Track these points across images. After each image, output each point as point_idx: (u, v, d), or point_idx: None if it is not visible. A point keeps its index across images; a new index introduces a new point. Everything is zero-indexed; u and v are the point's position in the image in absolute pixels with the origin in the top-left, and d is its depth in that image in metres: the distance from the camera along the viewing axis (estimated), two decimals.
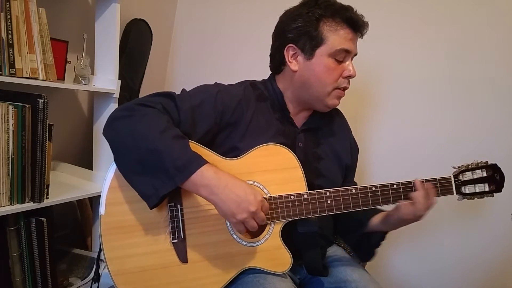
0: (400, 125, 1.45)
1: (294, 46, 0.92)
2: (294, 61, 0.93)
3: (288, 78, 0.97)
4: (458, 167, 0.91)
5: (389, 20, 1.43)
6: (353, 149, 1.10)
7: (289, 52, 0.93)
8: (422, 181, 0.87)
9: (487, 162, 0.91)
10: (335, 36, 0.89)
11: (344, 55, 0.91)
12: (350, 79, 0.94)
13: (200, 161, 0.76)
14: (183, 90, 0.92)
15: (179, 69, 1.92)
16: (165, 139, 0.76)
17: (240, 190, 0.75)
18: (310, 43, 0.90)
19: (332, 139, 1.03)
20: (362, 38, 0.95)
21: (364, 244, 0.99)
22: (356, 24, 0.90)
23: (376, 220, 0.96)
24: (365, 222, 0.97)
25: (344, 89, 0.94)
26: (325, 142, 1.01)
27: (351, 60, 0.93)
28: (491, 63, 1.30)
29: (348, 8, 0.91)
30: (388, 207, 0.93)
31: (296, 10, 0.93)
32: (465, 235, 1.39)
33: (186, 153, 0.76)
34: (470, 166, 0.91)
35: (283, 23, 0.95)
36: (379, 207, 0.92)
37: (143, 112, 0.81)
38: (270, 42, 1.00)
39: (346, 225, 1.03)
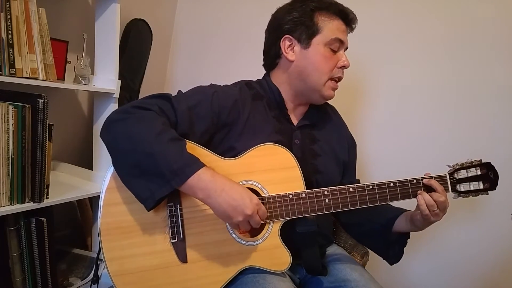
0: (398, 124, 1.45)
1: (290, 36, 0.95)
2: (291, 51, 0.96)
3: (284, 71, 0.98)
4: (453, 165, 0.92)
5: (388, 19, 1.42)
6: (350, 145, 1.10)
7: (286, 43, 0.96)
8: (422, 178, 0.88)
9: (481, 160, 0.91)
10: (330, 26, 0.93)
11: (338, 45, 0.94)
12: (345, 72, 0.97)
13: (197, 164, 0.76)
14: (179, 91, 0.93)
15: (179, 69, 1.92)
16: (160, 142, 0.76)
17: (237, 194, 0.75)
18: (307, 33, 0.93)
19: (328, 135, 1.04)
20: (352, 32, 0.99)
21: (392, 246, 0.99)
22: (347, 17, 0.95)
23: (401, 221, 0.95)
24: (390, 225, 0.97)
25: (339, 79, 0.97)
26: (321, 138, 1.02)
27: (344, 52, 0.97)
28: (491, 62, 1.30)
29: (338, 3, 0.96)
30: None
31: (290, 5, 0.97)
32: (465, 235, 1.39)
33: (182, 156, 0.76)
34: (464, 165, 0.91)
35: (278, 18, 0.98)
36: (393, 204, 0.93)
37: (139, 115, 0.80)
38: None
39: (370, 230, 1.02)
